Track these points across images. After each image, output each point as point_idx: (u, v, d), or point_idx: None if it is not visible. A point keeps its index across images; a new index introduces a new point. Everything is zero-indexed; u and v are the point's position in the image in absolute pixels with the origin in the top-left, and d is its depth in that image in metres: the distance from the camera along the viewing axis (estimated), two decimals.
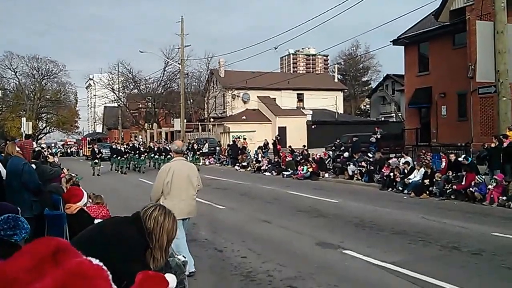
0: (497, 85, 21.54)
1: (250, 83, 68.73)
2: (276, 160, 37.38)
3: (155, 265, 3.99)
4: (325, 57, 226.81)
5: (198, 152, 43.80)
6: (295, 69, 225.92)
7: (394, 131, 47.81)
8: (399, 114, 71.48)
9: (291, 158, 35.38)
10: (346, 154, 31.93)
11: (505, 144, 20.25)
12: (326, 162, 32.84)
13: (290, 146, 41.60)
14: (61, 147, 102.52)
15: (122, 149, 41.04)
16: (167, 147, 40.85)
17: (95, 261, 2.05)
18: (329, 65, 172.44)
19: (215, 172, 37.19)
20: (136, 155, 40.38)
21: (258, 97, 70.60)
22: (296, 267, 10.04)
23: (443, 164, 23.23)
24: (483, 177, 20.04)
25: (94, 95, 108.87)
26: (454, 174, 21.30)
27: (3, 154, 10.77)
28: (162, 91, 78.68)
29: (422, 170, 22.59)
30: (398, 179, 23.41)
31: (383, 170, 25.61)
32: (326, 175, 30.69)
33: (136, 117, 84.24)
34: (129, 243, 3.82)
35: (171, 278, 3.58)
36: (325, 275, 9.49)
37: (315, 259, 10.78)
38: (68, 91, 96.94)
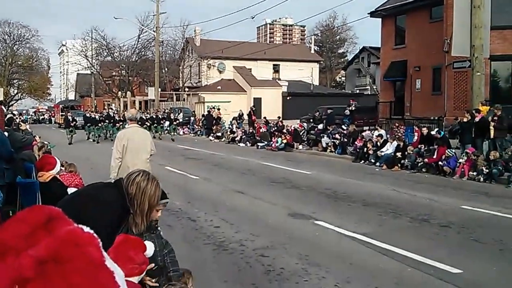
0: (472, 59, 21.68)
1: (226, 53, 68.26)
2: (250, 131, 37.38)
3: (137, 230, 4.02)
4: (302, 28, 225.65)
5: (175, 122, 43.37)
6: (272, 39, 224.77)
7: (368, 104, 48.01)
8: (374, 87, 71.83)
9: (265, 129, 35.38)
10: (320, 126, 32.05)
11: (477, 119, 20.45)
12: (301, 134, 32.94)
13: (265, 117, 41.56)
14: (33, 114, 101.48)
15: (97, 117, 40.71)
16: (143, 116, 40.63)
17: (86, 229, 2.06)
18: (306, 36, 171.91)
19: (189, 142, 37.17)
20: (111, 124, 39.93)
21: (234, 67, 70.31)
22: (268, 237, 10.14)
23: (416, 137, 23.45)
24: (454, 151, 20.27)
25: (67, 62, 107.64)
26: (426, 148, 21.52)
27: None
28: (137, 59, 77.86)
29: (395, 143, 22.75)
30: (371, 152, 23.56)
31: (356, 143, 25.76)
32: (300, 146, 30.79)
33: (109, 85, 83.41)
34: (108, 204, 3.84)
35: (149, 245, 3.62)
36: (297, 245, 9.60)
37: (288, 230, 10.89)
38: (40, 57, 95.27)
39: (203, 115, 49.52)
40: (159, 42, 60.34)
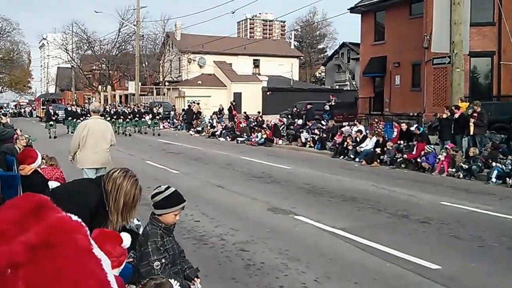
0: (451, 56, 21.79)
1: (207, 47, 68.03)
2: (231, 125, 37.38)
3: (112, 227, 4.00)
4: (282, 23, 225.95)
5: (157, 116, 42.74)
6: (252, 34, 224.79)
7: (348, 100, 48.17)
8: (354, 83, 72.04)
9: (245, 124, 35.44)
10: (300, 122, 32.12)
11: (456, 115, 20.58)
12: (281, 129, 33.01)
13: (245, 112, 41.62)
14: (14, 107, 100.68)
15: (78, 111, 40.49)
16: (126, 110, 40.46)
17: (74, 217, 2.13)
18: (286, 32, 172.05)
19: (169, 137, 37.07)
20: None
21: (214, 62, 70.17)
22: (248, 232, 10.16)
23: (395, 133, 23.58)
24: (433, 147, 20.40)
25: (48, 56, 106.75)
26: (405, 144, 21.65)
27: None
28: (117, 53, 77.40)
29: (374, 138, 22.87)
30: (350, 147, 23.63)
31: (335, 138, 25.85)
32: (280, 141, 30.86)
33: (90, 79, 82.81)
34: (84, 197, 3.83)
35: (125, 236, 3.62)
36: (277, 240, 9.62)
37: (267, 224, 10.91)
38: (21, 50, 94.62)
39: (183, 110, 49.38)
40: (140, 36, 60.05)
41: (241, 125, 35.69)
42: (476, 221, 11.43)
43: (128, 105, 46.24)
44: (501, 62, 29.67)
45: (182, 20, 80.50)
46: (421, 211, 12.24)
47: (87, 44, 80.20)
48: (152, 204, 4.84)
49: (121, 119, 39.29)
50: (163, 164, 20.98)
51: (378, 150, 21.88)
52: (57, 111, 40.63)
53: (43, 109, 61.70)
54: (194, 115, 43.34)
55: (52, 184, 8.95)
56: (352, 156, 23.18)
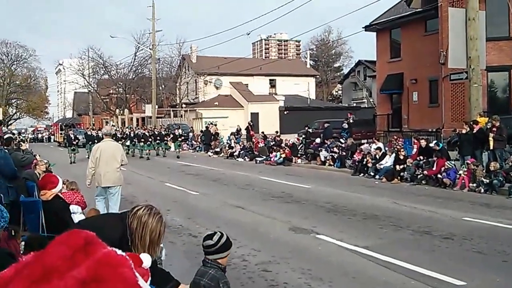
0: (468, 71, 21.74)
1: (222, 69, 68.43)
2: (249, 146, 37.41)
3: None
4: (297, 43, 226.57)
5: (179, 139, 41.93)
6: (267, 54, 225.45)
7: (365, 117, 47.97)
8: (371, 100, 71.90)
9: (263, 144, 35.46)
10: (318, 140, 32.06)
11: (475, 130, 20.47)
12: (299, 148, 32.99)
13: (263, 132, 41.63)
14: (32, 133, 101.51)
15: (99, 135, 40.64)
16: (146, 133, 40.17)
17: (119, 252, 2.35)
18: (301, 51, 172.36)
19: (188, 159, 37.12)
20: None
21: (230, 83, 70.42)
22: (270, 252, 10.13)
23: (415, 149, 23.46)
24: (453, 162, 20.28)
25: (64, 81, 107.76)
26: (425, 160, 21.52)
27: None
28: (133, 76, 77.96)
29: (394, 155, 22.77)
30: (369, 165, 23.58)
31: (355, 156, 25.77)
32: (299, 160, 30.83)
33: (107, 103, 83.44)
34: (108, 231, 3.83)
35: (145, 257, 3.61)
36: (299, 260, 9.58)
37: (289, 244, 10.87)
38: (38, 76, 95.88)
39: (201, 131, 49.46)
40: (156, 59, 60.50)
41: (259, 145, 35.70)
42: (499, 235, 11.32)
43: (148, 128, 46.01)
44: None
45: (197, 43, 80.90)
46: (443, 227, 12.15)
47: (104, 69, 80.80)
48: (207, 251, 5.19)
49: (142, 142, 39.01)
50: (182, 185, 21.02)
51: (398, 167, 21.77)
52: (77, 136, 40.49)
53: (61, 134, 62.02)
54: (212, 136, 43.42)
55: (73, 208, 9.01)
56: (372, 174, 23.11)
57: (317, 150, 30.12)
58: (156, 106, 59.59)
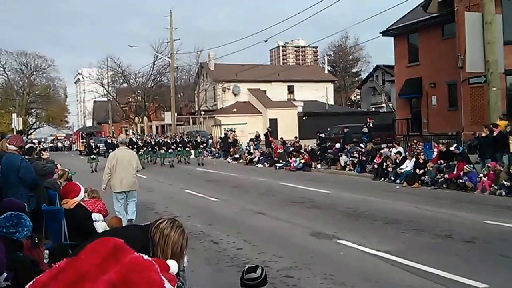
0: (487, 75, 21.68)
1: (240, 76, 68.59)
2: (268, 152, 37.45)
3: None
4: (314, 49, 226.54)
5: (201, 146, 41.76)
6: (285, 61, 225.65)
7: (385, 122, 47.87)
8: (390, 105, 71.71)
9: (283, 150, 35.48)
10: (338, 145, 32.02)
11: (495, 133, 20.38)
12: (317, 153, 32.99)
13: (281, 138, 41.63)
14: (52, 141, 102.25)
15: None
16: (168, 141, 40.19)
17: (146, 257, 2.61)
18: (318, 57, 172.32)
19: (208, 165, 37.27)
20: (134, 149, 39.13)
21: (248, 89, 70.51)
22: (292, 258, 10.14)
23: (435, 153, 23.37)
24: (473, 165, 20.20)
25: (84, 90, 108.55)
26: (445, 164, 21.43)
27: None
28: (152, 85, 78.49)
29: (414, 159, 22.70)
30: (390, 169, 23.54)
31: (375, 160, 25.69)
32: (319, 166, 30.82)
33: (126, 111, 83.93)
34: (130, 241, 3.89)
35: (172, 263, 3.67)
36: (321, 265, 9.59)
37: (310, 249, 10.88)
38: (57, 86, 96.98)
39: (220, 138, 49.58)
40: (174, 68, 60.72)
41: (278, 151, 35.73)
42: None
43: (169, 135, 46.04)
44: None
45: (215, 51, 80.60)
46: (465, 230, 12.10)
47: (123, 78, 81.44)
48: (250, 284, 5.27)
49: (163, 150, 39.03)
50: (202, 192, 21.09)
51: (418, 171, 21.70)
52: (98, 144, 40.67)
53: (82, 142, 62.37)
54: (231, 143, 43.50)
55: (95, 216, 9.10)
56: (392, 178, 23.06)
57: (336, 155, 30.10)
58: (176, 114, 59.81)
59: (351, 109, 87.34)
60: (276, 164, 33.29)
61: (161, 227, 4.03)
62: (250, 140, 43.56)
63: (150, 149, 40.70)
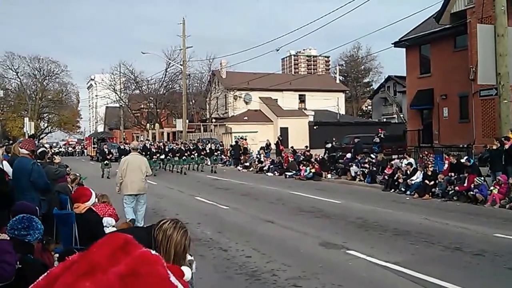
0: (498, 87, 21.63)
1: (252, 84, 68.75)
2: (278, 160, 37.47)
3: None
4: (326, 59, 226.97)
5: (216, 153, 41.42)
6: (297, 70, 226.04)
7: (396, 132, 47.82)
8: (401, 116, 71.56)
9: (293, 159, 35.49)
10: (348, 155, 32.00)
11: (506, 146, 20.32)
12: (325, 157, 32.99)
13: (292, 147, 41.63)
14: (63, 146, 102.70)
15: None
16: (182, 147, 39.70)
17: (153, 252, 2.80)
18: (330, 67, 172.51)
19: (218, 173, 37.31)
20: (148, 156, 38.49)
21: (260, 98, 70.61)
22: (300, 267, 10.15)
23: (445, 165, 23.32)
24: (484, 178, 20.14)
25: (96, 96, 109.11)
26: (456, 176, 21.38)
27: (9, 154, 10.91)
28: (164, 92, 78.79)
29: (424, 171, 22.66)
30: (400, 180, 23.49)
31: (385, 171, 25.67)
32: (329, 175, 30.81)
33: (138, 117, 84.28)
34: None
35: (186, 270, 3.71)
36: (329, 275, 9.60)
37: (319, 259, 10.89)
38: (69, 91, 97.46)
39: (231, 145, 49.62)
40: (186, 75, 60.86)
41: (288, 160, 35.74)
42: None
43: (182, 142, 45.88)
44: None
45: (227, 59, 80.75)
46: (475, 243, 12.07)
47: (135, 84, 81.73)
48: None
49: (177, 157, 38.67)
50: (212, 200, 21.14)
51: (428, 182, 21.65)
52: (111, 150, 40.00)
53: (94, 148, 62.49)
54: (242, 151, 43.53)
55: (108, 221, 9.17)
56: (403, 189, 23.00)
57: (347, 165, 30.08)
58: (187, 121, 59.93)
59: (362, 119, 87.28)
60: (286, 173, 33.28)
61: (164, 227, 4.08)
62: (261, 148, 43.51)
63: (164, 155, 40.30)
